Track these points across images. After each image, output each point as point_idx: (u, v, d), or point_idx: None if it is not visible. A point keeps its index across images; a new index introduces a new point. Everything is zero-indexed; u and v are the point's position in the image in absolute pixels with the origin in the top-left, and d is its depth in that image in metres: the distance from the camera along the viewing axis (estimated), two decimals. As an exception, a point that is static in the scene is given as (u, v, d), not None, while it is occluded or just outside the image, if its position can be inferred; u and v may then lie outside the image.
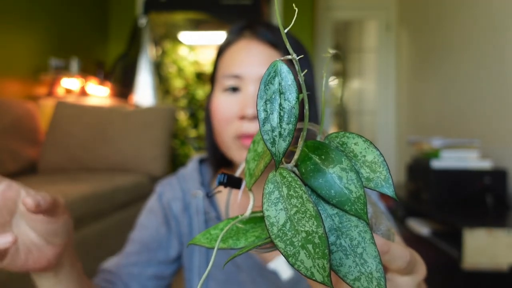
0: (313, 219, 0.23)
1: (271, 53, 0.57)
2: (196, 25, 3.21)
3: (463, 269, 1.14)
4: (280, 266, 0.58)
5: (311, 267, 0.23)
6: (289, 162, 0.28)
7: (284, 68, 0.25)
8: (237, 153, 0.57)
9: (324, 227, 0.23)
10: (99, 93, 2.54)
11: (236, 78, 0.56)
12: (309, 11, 3.00)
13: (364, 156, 0.27)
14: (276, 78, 0.25)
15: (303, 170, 0.26)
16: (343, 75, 3.73)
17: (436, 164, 1.51)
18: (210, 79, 0.65)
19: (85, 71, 2.56)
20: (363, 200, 0.24)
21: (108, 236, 1.48)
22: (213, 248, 0.29)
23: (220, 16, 2.88)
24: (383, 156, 0.27)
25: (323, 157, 0.26)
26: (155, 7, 2.94)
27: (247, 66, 0.56)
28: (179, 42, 3.23)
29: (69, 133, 1.96)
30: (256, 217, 0.32)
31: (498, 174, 1.46)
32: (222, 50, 0.61)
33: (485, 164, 1.49)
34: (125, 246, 0.65)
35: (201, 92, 3.10)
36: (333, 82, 3.53)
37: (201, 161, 0.71)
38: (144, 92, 2.98)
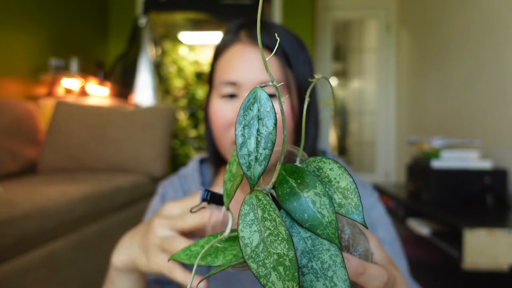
0: (284, 242, 0.24)
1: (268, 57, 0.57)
2: (196, 25, 3.21)
3: (463, 269, 1.14)
4: None
5: None
6: (267, 184, 0.28)
7: (263, 95, 0.26)
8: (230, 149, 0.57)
9: (295, 250, 0.24)
10: (99, 93, 2.54)
11: (232, 85, 0.56)
12: (309, 11, 3.00)
13: (338, 182, 0.28)
14: (255, 104, 0.26)
15: (280, 193, 0.27)
16: (340, 75, 3.73)
17: (436, 164, 1.51)
18: (208, 79, 0.65)
19: (85, 71, 2.56)
20: (335, 225, 0.25)
21: (108, 236, 1.48)
22: (191, 265, 0.30)
23: (220, 16, 2.88)
24: (355, 184, 0.28)
25: (299, 181, 0.27)
26: (155, 7, 2.93)
27: (243, 72, 0.55)
28: (179, 42, 3.23)
29: (69, 133, 1.96)
30: (235, 236, 0.32)
31: (498, 174, 1.46)
32: (218, 52, 0.61)
33: (485, 164, 1.49)
34: None
35: (201, 92, 3.10)
36: (333, 82, 3.53)
37: (202, 161, 0.71)
38: (144, 92, 2.98)
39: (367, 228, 0.27)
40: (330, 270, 0.25)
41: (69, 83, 2.36)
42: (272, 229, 0.24)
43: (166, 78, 3.12)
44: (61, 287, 1.20)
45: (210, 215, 0.39)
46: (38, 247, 1.13)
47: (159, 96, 3.07)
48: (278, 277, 0.23)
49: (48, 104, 2.16)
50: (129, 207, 1.67)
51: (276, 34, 0.50)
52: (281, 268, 0.23)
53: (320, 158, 0.29)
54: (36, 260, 1.11)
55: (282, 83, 0.30)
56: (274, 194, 0.28)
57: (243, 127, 0.26)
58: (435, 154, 1.55)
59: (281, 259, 0.23)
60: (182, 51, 3.18)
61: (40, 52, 2.33)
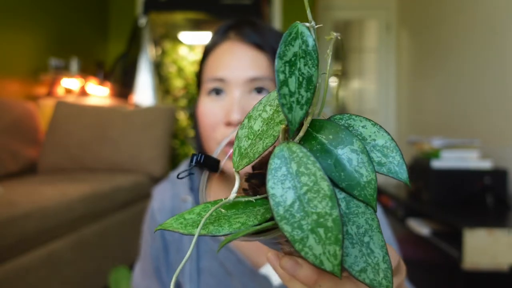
0: (327, 199, 0.21)
1: (257, 55, 0.55)
2: (196, 25, 3.21)
3: (463, 269, 1.14)
4: (272, 271, 0.56)
5: (320, 254, 0.20)
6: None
7: (306, 31, 0.24)
8: (226, 160, 0.55)
9: (340, 209, 0.21)
10: (99, 93, 2.54)
11: (220, 82, 0.55)
12: (309, 11, 2.99)
13: (374, 139, 0.25)
14: (297, 40, 0.24)
15: (308, 150, 0.24)
16: (341, 74, 3.73)
17: (436, 164, 1.51)
18: (196, 81, 0.63)
19: (85, 71, 2.56)
20: (374, 185, 0.23)
21: (108, 236, 1.48)
22: (188, 234, 0.26)
23: (220, 16, 2.88)
24: (395, 141, 0.25)
25: (330, 137, 0.24)
26: (155, 7, 2.93)
27: (231, 69, 0.54)
28: (179, 42, 3.23)
29: (69, 133, 1.96)
30: (238, 202, 0.28)
31: (498, 174, 1.46)
32: (207, 52, 0.59)
33: (485, 164, 1.49)
34: (140, 257, 0.64)
35: (201, 92, 3.10)
36: (333, 82, 3.53)
37: None
38: (144, 92, 2.98)
39: (410, 188, 0.25)
40: (366, 235, 0.23)
41: (69, 83, 2.36)
42: (311, 184, 0.21)
43: (166, 78, 3.12)
44: (61, 287, 1.20)
45: (205, 178, 0.35)
46: (38, 247, 1.13)
47: (159, 96, 3.07)
48: (318, 240, 0.20)
49: (48, 104, 2.16)
50: (129, 207, 1.67)
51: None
52: (321, 230, 0.20)
53: (348, 115, 0.26)
54: (36, 260, 1.11)
55: (319, 25, 0.26)
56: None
57: (284, 63, 0.23)
58: (435, 154, 1.55)
59: (321, 220, 0.20)
60: (182, 51, 3.18)
61: (40, 52, 2.33)
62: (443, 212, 1.34)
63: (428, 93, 2.47)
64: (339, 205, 0.20)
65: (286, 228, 0.21)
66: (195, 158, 0.33)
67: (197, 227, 0.26)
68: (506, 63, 1.63)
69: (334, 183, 0.23)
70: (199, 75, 0.61)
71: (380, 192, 2.06)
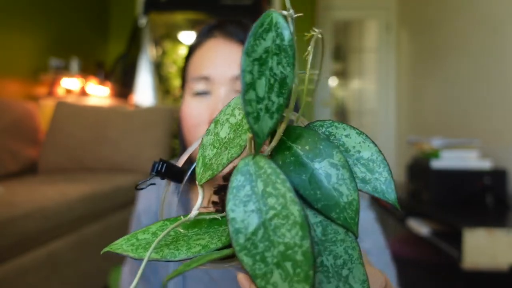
0: (297, 227, 0.17)
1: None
2: (197, 25, 3.21)
3: (463, 269, 1.14)
4: None
5: None
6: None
7: (281, 22, 0.19)
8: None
9: (311, 239, 0.17)
10: (99, 93, 2.54)
11: (205, 80, 0.52)
12: (309, 11, 3.00)
13: (359, 151, 0.22)
14: (270, 32, 0.19)
15: (280, 162, 0.21)
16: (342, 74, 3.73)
17: (436, 164, 1.51)
18: (181, 81, 0.60)
19: (85, 71, 2.56)
20: (356, 207, 0.19)
21: (108, 236, 1.48)
22: (139, 259, 0.22)
23: (220, 16, 2.86)
24: (382, 154, 0.22)
25: (307, 147, 0.21)
26: (155, 7, 2.93)
27: (216, 67, 0.52)
28: (179, 42, 3.23)
29: (69, 133, 1.96)
30: (202, 220, 0.25)
31: (498, 174, 1.46)
32: (191, 51, 0.57)
33: (485, 164, 1.49)
34: (127, 262, 0.63)
35: (201, 92, 3.10)
36: (333, 82, 3.53)
37: None
38: (144, 92, 2.98)
39: (398, 209, 0.22)
40: (345, 267, 0.19)
41: (69, 83, 2.36)
42: (280, 208, 0.18)
43: (166, 78, 3.12)
44: (61, 287, 1.20)
45: (165, 191, 0.31)
46: (38, 247, 1.13)
47: (159, 96, 3.08)
48: (284, 276, 0.17)
49: (48, 104, 2.16)
50: (129, 207, 1.68)
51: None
52: (288, 265, 0.17)
53: (330, 122, 0.23)
54: (36, 260, 1.11)
55: (299, 14, 0.22)
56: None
57: (252, 62, 0.19)
58: (434, 154, 1.55)
59: (289, 252, 0.17)
60: (182, 51, 3.18)
61: (40, 52, 2.33)
62: (443, 212, 1.34)
63: (428, 93, 2.47)
64: (311, 235, 0.17)
65: (246, 260, 0.18)
66: (156, 166, 0.28)
67: (155, 251, 0.22)
68: (506, 63, 1.63)
69: (308, 204, 0.20)
70: (183, 75, 0.59)
71: (380, 192, 2.06)
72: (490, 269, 1.13)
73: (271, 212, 0.18)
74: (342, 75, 3.73)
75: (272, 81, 0.19)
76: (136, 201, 0.64)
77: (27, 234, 1.08)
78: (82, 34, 2.81)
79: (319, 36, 0.22)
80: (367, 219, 0.58)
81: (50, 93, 2.30)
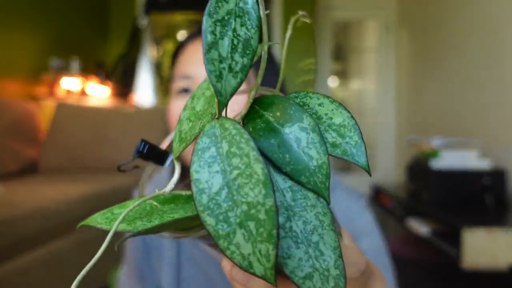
0: (260, 185, 0.17)
1: None
2: (197, 26, 3.21)
3: (463, 269, 1.15)
4: None
5: (249, 255, 0.16)
6: None
7: None
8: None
9: (275, 197, 0.17)
10: (99, 93, 2.54)
11: (187, 79, 0.53)
12: (309, 11, 3.00)
13: (331, 118, 0.22)
14: None
15: (251, 129, 0.21)
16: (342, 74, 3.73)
17: (435, 164, 1.51)
18: (167, 87, 0.60)
19: (86, 71, 2.56)
20: (326, 171, 0.19)
21: (108, 236, 1.48)
22: (110, 230, 0.22)
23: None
24: (354, 119, 0.21)
25: (278, 114, 0.20)
26: (155, 7, 2.94)
27: (197, 65, 0.52)
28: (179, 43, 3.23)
29: (70, 133, 1.96)
30: (179, 196, 0.24)
31: (497, 174, 1.47)
32: (175, 53, 0.58)
33: (485, 164, 1.49)
34: (124, 260, 0.63)
35: (201, 92, 3.10)
36: (333, 82, 3.53)
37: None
38: (144, 92, 2.98)
39: (370, 175, 0.22)
40: (315, 233, 0.19)
41: (70, 83, 2.36)
42: (243, 168, 0.17)
43: (166, 78, 3.12)
44: (61, 287, 1.20)
45: (146, 171, 0.30)
46: (38, 247, 1.13)
47: (159, 96, 3.08)
48: (247, 237, 0.16)
49: (48, 105, 2.17)
50: (129, 207, 1.68)
51: None
52: (251, 224, 0.16)
53: (305, 93, 0.23)
54: (36, 260, 1.11)
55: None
56: None
57: (215, 22, 0.19)
58: (434, 154, 1.55)
59: (252, 211, 0.16)
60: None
61: (40, 52, 2.33)
62: (443, 211, 1.34)
63: (428, 93, 2.47)
64: (274, 192, 0.17)
65: (209, 220, 0.17)
66: (138, 147, 0.28)
67: (125, 223, 0.22)
68: (506, 63, 1.64)
69: (278, 168, 0.19)
70: (170, 77, 0.60)
71: (379, 191, 2.06)
72: (489, 269, 1.13)
73: (235, 172, 0.18)
74: (342, 75, 3.73)
75: (235, 41, 0.19)
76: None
77: (27, 234, 1.08)
78: (82, 34, 2.81)
79: (307, 21, 0.21)
80: (366, 220, 0.58)
81: (51, 93, 2.30)
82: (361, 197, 0.61)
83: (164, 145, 0.30)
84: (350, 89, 3.71)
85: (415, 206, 1.55)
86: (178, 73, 0.55)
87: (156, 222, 0.22)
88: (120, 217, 0.20)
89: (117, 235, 0.22)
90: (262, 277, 0.16)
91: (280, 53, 0.57)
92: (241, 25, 0.19)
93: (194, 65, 0.53)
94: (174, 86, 0.55)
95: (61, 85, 2.32)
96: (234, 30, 0.19)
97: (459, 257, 1.15)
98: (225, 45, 0.19)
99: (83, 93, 2.42)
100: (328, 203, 0.19)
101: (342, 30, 3.65)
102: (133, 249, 0.62)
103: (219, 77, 0.19)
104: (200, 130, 0.21)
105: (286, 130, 0.20)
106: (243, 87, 0.47)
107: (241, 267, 0.17)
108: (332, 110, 0.22)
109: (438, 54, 2.31)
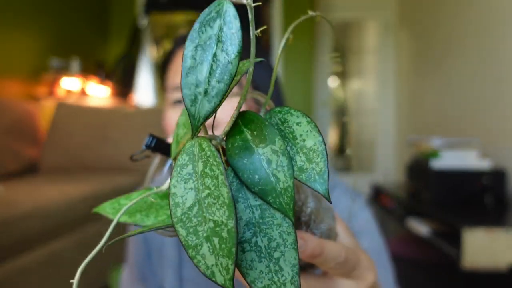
0: (225, 207, 0.19)
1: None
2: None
3: (463, 269, 1.15)
4: None
5: (212, 266, 0.19)
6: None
7: (231, 11, 0.20)
8: None
9: (236, 219, 0.19)
10: (99, 93, 2.54)
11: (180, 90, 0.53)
12: (309, 11, 3.00)
13: (304, 140, 0.23)
14: (218, 20, 0.20)
15: (230, 145, 0.22)
16: (343, 74, 3.73)
17: (435, 164, 1.51)
18: (162, 92, 0.61)
19: (86, 71, 2.56)
20: (291, 194, 0.20)
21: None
22: (121, 222, 0.24)
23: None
24: (325, 144, 0.22)
25: (255, 133, 0.22)
26: (155, 7, 2.94)
27: None
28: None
29: (70, 133, 1.96)
30: None
31: (497, 174, 1.47)
32: (166, 61, 0.57)
33: (485, 164, 1.49)
34: (126, 262, 0.62)
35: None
36: (333, 82, 3.54)
37: None
38: (144, 92, 2.98)
39: (331, 203, 0.23)
40: (277, 250, 0.20)
41: (70, 83, 2.36)
42: (213, 189, 0.19)
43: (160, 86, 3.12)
44: (62, 287, 1.20)
45: (153, 164, 0.34)
46: (39, 247, 1.13)
47: (159, 96, 3.08)
48: (211, 250, 0.19)
49: (49, 105, 2.17)
50: (129, 207, 1.68)
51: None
52: (216, 240, 0.19)
53: (287, 109, 0.24)
54: (37, 260, 1.11)
55: (256, 3, 0.22)
56: (224, 146, 0.22)
57: (195, 47, 0.20)
58: (434, 154, 1.55)
59: (217, 228, 0.19)
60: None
61: (40, 52, 2.33)
62: (443, 211, 1.35)
63: (427, 93, 2.47)
64: (236, 215, 0.19)
65: (181, 231, 0.19)
66: (146, 141, 0.31)
67: (128, 214, 0.25)
68: (505, 63, 1.64)
69: (247, 187, 0.21)
70: (162, 83, 0.59)
71: (380, 191, 2.06)
72: (489, 269, 1.13)
73: (206, 191, 0.20)
74: (342, 75, 3.73)
75: (214, 66, 0.20)
76: None
77: (28, 234, 1.08)
78: (82, 34, 2.81)
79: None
80: (364, 218, 0.58)
81: (51, 93, 2.30)
82: (360, 196, 0.61)
83: (170, 139, 0.33)
84: (350, 89, 3.71)
85: (415, 206, 1.55)
86: (171, 84, 0.54)
87: (152, 217, 0.25)
88: (122, 210, 0.22)
89: (120, 226, 0.25)
90: (222, 286, 0.18)
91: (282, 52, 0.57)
92: (222, 50, 0.20)
93: None
94: (168, 97, 0.54)
95: (61, 85, 2.32)
96: (215, 55, 0.20)
97: (459, 257, 1.15)
98: (203, 70, 0.20)
99: (83, 93, 2.42)
100: (293, 222, 0.21)
101: (342, 30, 3.65)
102: (135, 251, 0.61)
103: (194, 101, 0.20)
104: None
105: (260, 150, 0.21)
106: (235, 90, 0.48)
107: (204, 275, 0.19)
108: (307, 131, 0.23)
109: (438, 54, 2.31)
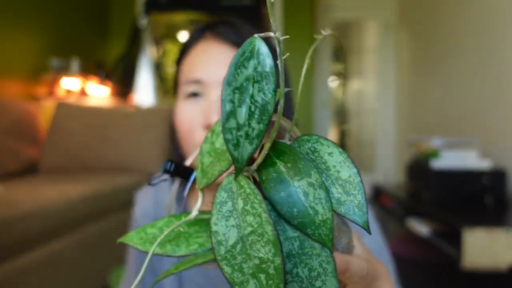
0: (270, 245, 0.19)
1: (234, 54, 0.51)
2: (197, 24, 3.22)
3: (463, 269, 1.15)
4: None
5: None
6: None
7: (263, 49, 0.20)
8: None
9: (283, 256, 0.19)
10: (99, 93, 2.54)
11: (197, 84, 0.51)
12: (309, 11, 3.00)
13: (338, 171, 0.23)
14: (252, 60, 0.20)
15: (264, 178, 0.22)
16: (344, 75, 3.73)
17: (435, 164, 1.51)
18: (173, 83, 0.59)
19: (86, 71, 2.56)
20: (330, 225, 0.21)
21: (109, 236, 1.48)
22: (146, 252, 0.24)
23: (220, 17, 2.88)
24: (360, 176, 0.22)
25: (289, 165, 0.22)
26: (155, 7, 2.94)
27: (208, 70, 0.51)
28: (179, 42, 3.23)
29: (70, 133, 1.96)
30: (202, 219, 0.27)
31: (497, 174, 1.47)
32: (182, 53, 0.56)
33: (485, 164, 1.49)
34: (127, 273, 0.62)
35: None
36: (333, 82, 3.54)
37: None
38: (144, 92, 2.98)
39: (370, 234, 0.23)
40: (318, 279, 0.21)
41: (70, 83, 2.36)
42: (256, 226, 0.20)
43: (167, 78, 3.12)
44: (62, 286, 1.20)
45: (174, 187, 0.34)
46: (39, 247, 1.13)
47: (159, 96, 3.08)
48: (258, 286, 0.19)
49: (49, 105, 2.17)
50: (129, 207, 1.68)
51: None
52: (262, 276, 0.19)
53: (316, 137, 0.24)
54: (37, 260, 1.11)
55: (285, 36, 0.21)
56: (257, 178, 0.22)
57: (233, 90, 0.20)
58: (434, 154, 1.55)
59: (263, 265, 0.19)
60: (182, 51, 3.18)
61: (40, 52, 2.33)
62: (443, 211, 1.35)
63: (427, 93, 2.47)
64: (282, 252, 0.19)
65: (226, 269, 0.20)
66: (165, 166, 0.31)
67: (159, 245, 0.25)
68: (505, 63, 1.64)
69: (285, 219, 0.21)
70: (175, 78, 0.58)
71: (380, 191, 2.06)
72: (489, 269, 1.13)
73: (249, 229, 0.20)
74: (342, 75, 3.73)
75: (253, 108, 0.20)
76: (134, 206, 0.64)
77: (28, 234, 1.08)
78: (82, 34, 2.81)
79: (328, 36, 0.22)
80: None
81: (51, 93, 2.30)
82: None
83: (188, 162, 0.33)
84: (350, 89, 3.71)
85: (415, 206, 1.55)
86: (186, 78, 0.53)
87: (183, 246, 0.25)
88: (154, 245, 0.22)
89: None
90: None
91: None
92: (259, 91, 0.20)
93: (203, 69, 0.51)
94: (182, 90, 0.53)
95: (61, 85, 2.32)
96: (252, 96, 0.20)
97: (459, 257, 1.15)
98: (242, 113, 0.20)
99: (83, 93, 2.42)
100: (332, 252, 0.21)
101: (342, 30, 3.65)
102: (138, 259, 0.60)
103: (236, 145, 0.20)
104: (219, 173, 0.24)
105: (295, 183, 0.21)
106: None
107: None
108: (340, 162, 0.23)
109: (438, 54, 2.31)
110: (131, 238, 0.26)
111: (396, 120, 3.17)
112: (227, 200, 0.21)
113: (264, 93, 0.20)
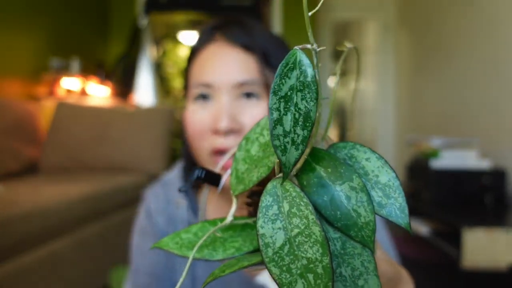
0: (318, 245, 0.20)
1: (245, 57, 0.51)
2: (197, 26, 3.22)
3: (463, 268, 1.15)
4: (269, 279, 0.54)
5: None
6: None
7: (305, 60, 0.21)
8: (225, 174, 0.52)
9: (331, 256, 0.20)
10: (99, 93, 2.54)
11: (206, 87, 0.51)
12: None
13: (377, 176, 0.24)
14: (295, 71, 0.21)
15: (305, 183, 0.23)
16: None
17: (435, 163, 1.51)
18: (183, 85, 0.59)
19: (86, 71, 2.56)
20: (372, 227, 0.22)
21: (109, 236, 1.48)
22: (183, 256, 0.25)
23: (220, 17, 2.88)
24: (399, 180, 0.23)
25: (329, 170, 0.23)
26: (155, 7, 2.94)
27: (218, 74, 0.51)
28: (179, 42, 3.23)
29: (70, 133, 1.96)
30: (236, 224, 0.28)
31: (497, 174, 1.47)
32: (192, 55, 0.56)
33: (484, 164, 1.49)
34: (131, 274, 0.61)
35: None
36: (335, 82, 3.54)
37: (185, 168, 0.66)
38: (144, 92, 2.98)
39: (411, 235, 0.25)
40: (361, 278, 0.22)
41: (70, 83, 2.36)
42: (303, 227, 0.20)
43: (167, 78, 3.12)
44: (62, 286, 1.20)
45: (205, 195, 0.35)
46: (39, 247, 1.13)
47: (160, 96, 3.08)
48: (306, 286, 0.20)
49: (49, 105, 2.17)
50: (129, 207, 1.68)
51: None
52: (310, 276, 0.20)
53: (352, 144, 0.25)
54: (37, 260, 1.11)
55: (322, 48, 0.23)
56: (296, 183, 0.23)
57: (279, 99, 0.21)
58: (434, 153, 1.55)
59: (311, 265, 0.20)
60: (182, 51, 3.18)
61: (40, 52, 2.33)
62: (443, 211, 1.35)
63: (427, 93, 2.47)
64: (330, 252, 0.20)
65: (274, 270, 0.20)
66: (196, 173, 0.32)
67: (192, 249, 0.26)
68: (505, 63, 1.64)
69: (329, 222, 0.22)
70: (185, 79, 0.58)
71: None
72: (489, 269, 1.13)
73: (296, 231, 0.21)
74: (342, 75, 3.73)
75: (297, 115, 0.21)
76: (144, 200, 0.64)
77: (28, 233, 1.08)
78: (82, 34, 2.81)
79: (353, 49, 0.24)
80: None
81: (51, 93, 2.30)
82: None
83: (218, 169, 0.35)
84: (349, 89, 3.71)
85: (415, 206, 1.55)
86: (196, 80, 0.53)
87: (220, 251, 0.26)
88: (193, 251, 0.24)
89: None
90: None
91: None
92: (302, 99, 0.21)
93: (214, 73, 0.51)
94: (192, 93, 0.53)
95: (61, 85, 2.32)
96: (296, 104, 0.21)
97: (459, 257, 1.15)
98: (288, 120, 0.21)
99: (83, 93, 2.42)
100: (373, 253, 0.22)
101: (341, 30, 3.65)
102: (150, 255, 0.60)
103: (284, 151, 0.21)
104: (258, 179, 0.25)
105: (337, 187, 0.22)
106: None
107: None
108: (378, 167, 0.24)
109: (438, 54, 2.31)
110: (167, 244, 0.27)
111: (396, 120, 3.17)
112: (273, 204, 0.22)
113: (306, 101, 0.21)
